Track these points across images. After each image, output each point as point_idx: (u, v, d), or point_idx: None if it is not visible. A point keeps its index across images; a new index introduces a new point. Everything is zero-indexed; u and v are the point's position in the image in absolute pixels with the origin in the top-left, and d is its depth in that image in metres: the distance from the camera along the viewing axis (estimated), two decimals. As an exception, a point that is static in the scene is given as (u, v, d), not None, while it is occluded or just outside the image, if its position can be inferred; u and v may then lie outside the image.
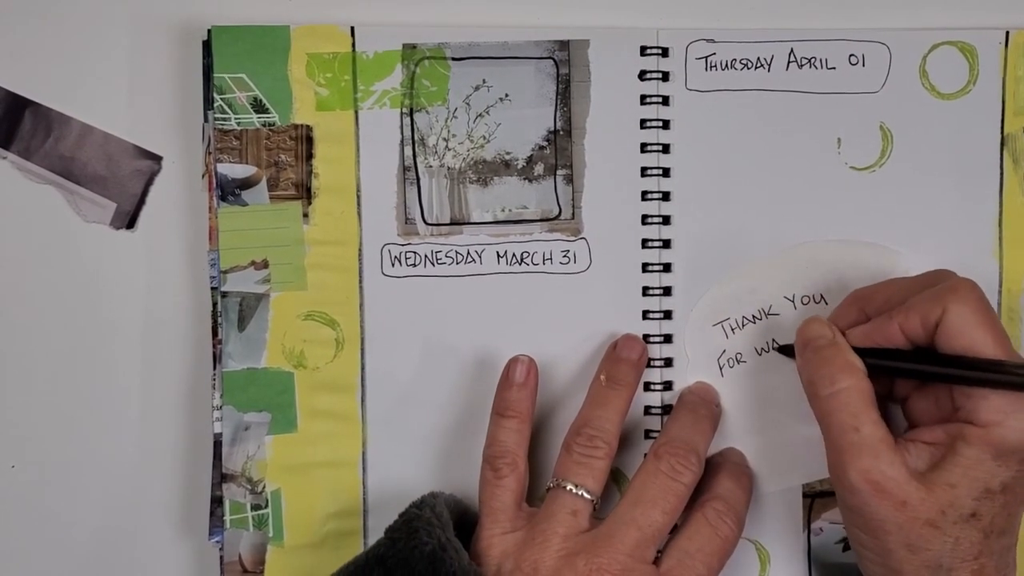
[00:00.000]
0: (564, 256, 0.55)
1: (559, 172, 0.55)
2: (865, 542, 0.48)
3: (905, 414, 0.52)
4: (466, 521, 0.52)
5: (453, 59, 0.55)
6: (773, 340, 0.55)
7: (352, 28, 0.54)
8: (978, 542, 0.47)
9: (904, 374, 0.50)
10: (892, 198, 0.56)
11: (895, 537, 0.47)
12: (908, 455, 0.48)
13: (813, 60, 0.55)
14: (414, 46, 0.55)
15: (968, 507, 0.47)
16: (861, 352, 0.50)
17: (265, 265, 0.54)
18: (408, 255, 0.55)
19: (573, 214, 0.55)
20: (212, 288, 0.55)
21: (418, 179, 0.55)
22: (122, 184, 0.56)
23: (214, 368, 0.55)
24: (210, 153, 0.54)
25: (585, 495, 0.50)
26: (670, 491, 0.50)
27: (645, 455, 0.52)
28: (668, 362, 0.55)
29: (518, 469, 0.51)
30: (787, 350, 0.54)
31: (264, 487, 0.54)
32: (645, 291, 0.55)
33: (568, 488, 0.50)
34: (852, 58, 0.55)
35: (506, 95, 0.55)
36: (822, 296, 0.55)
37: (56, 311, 0.56)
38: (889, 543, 0.47)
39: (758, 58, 0.55)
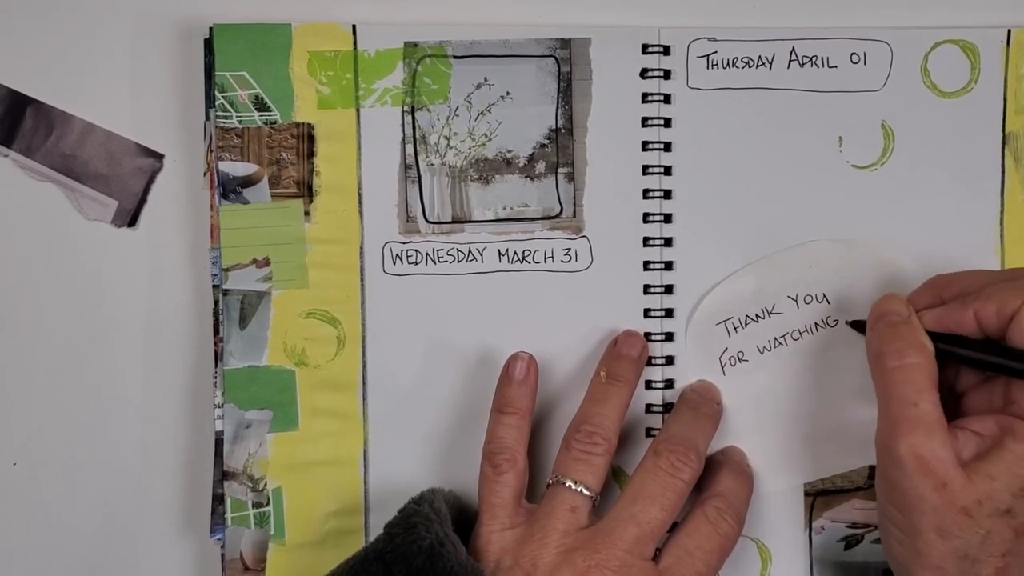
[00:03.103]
0: (565, 254, 0.55)
1: (560, 170, 0.55)
2: (896, 519, 0.48)
3: (961, 409, 0.52)
4: (466, 517, 0.52)
5: (454, 57, 0.55)
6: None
7: (354, 26, 0.54)
8: (1008, 539, 0.47)
9: (969, 361, 0.50)
10: (894, 196, 0.56)
11: (928, 518, 0.47)
12: (956, 441, 0.48)
13: (815, 59, 0.55)
14: (415, 44, 0.55)
15: (1005, 502, 0.46)
16: (932, 336, 0.50)
17: (266, 263, 0.54)
18: (409, 253, 0.55)
19: (574, 212, 0.55)
20: (213, 286, 0.55)
21: (419, 177, 0.55)
22: (124, 182, 0.56)
23: (215, 366, 0.55)
24: (212, 151, 0.54)
25: (584, 491, 0.50)
26: (669, 488, 0.50)
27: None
28: (669, 360, 0.55)
29: (517, 465, 0.52)
30: (859, 325, 0.53)
31: (265, 485, 0.54)
32: (646, 289, 0.55)
33: (567, 484, 0.51)
34: (854, 56, 0.55)
35: (507, 93, 0.55)
36: (824, 295, 0.55)
37: (58, 309, 0.56)
38: (921, 523, 0.47)
39: (759, 56, 0.55)
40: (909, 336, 0.49)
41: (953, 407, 0.52)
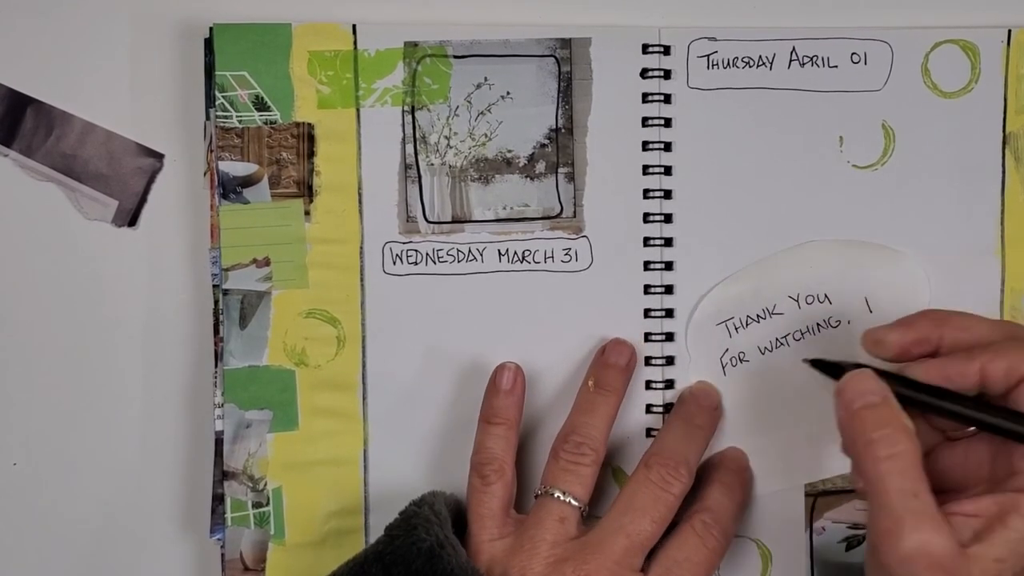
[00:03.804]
0: (566, 254, 0.55)
1: (561, 170, 0.55)
2: None
3: (942, 462, 0.50)
4: (465, 520, 0.52)
5: (455, 57, 0.55)
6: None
7: (354, 26, 0.54)
8: None
9: (967, 421, 0.47)
10: (894, 197, 0.55)
11: None
12: (951, 527, 0.45)
13: (815, 58, 0.55)
14: (416, 44, 0.55)
15: None
16: (920, 390, 0.47)
17: (267, 263, 0.54)
18: (409, 253, 0.55)
19: (575, 212, 0.55)
20: (214, 286, 0.55)
21: (419, 177, 0.55)
22: (124, 182, 0.56)
23: (215, 366, 0.55)
24: (212, 151, 0.54)
25: (572, 502, 0.51)
26: (659, 501, 0.50)
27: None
28: (670, 360, 0.55)
29: (505, 476, 0.52)
30: (823, 367, 0.50)
31: (265, 485, 0.54)
32: (647, 289, 0.55)
33: (556, 495, 0.51)
34: (854, 56, 0.55)
35: (508, 93, 0.55)
36: (826, 296, 0.55)
37: (58, 309, 0.56)
38: None
39: (760, 56, 0.55)
40: (892, 419, 0.46)
41: None
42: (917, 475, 0.45)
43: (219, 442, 0.54)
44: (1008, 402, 0.46)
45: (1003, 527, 0.45)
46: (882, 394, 0.47)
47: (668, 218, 0.55)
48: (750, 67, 0.55)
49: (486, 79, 0.55)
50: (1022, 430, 0.46)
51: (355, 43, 0.54)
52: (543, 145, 0.55)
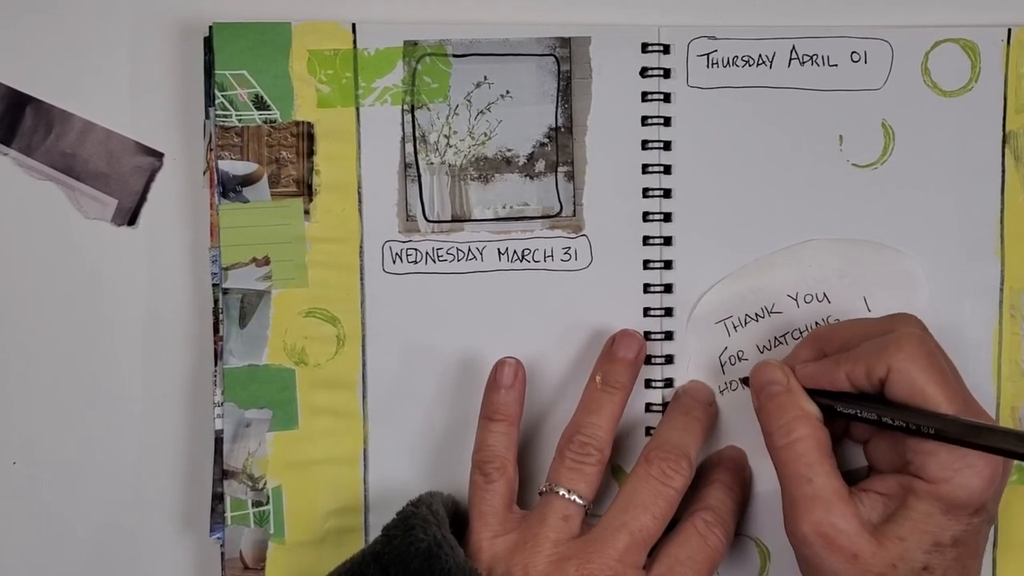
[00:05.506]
0: (565, 253, 0.55)
1: (560, 169, 0.55)
2: None
3: (866, 455, 0.52)
4: (463, 521, 0.52)
5: (454, 56, 0.55)
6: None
7: (353, 25, 0.54)
8: None
9: (854, 420, 0.50)
10: (894, 196, 0.55)
11: None
12: (862, 506, 0.48)
13: (815, 57, 0.55)
14: (415, 43, 0.55)
15: (919, 560, 0.47)
16: (817, 393, 0.50)
17: (266, 262, 0.54)
18: (409, 252, 0.55)
19: (574, 211, 0.55)
20: (213, 285, 0.55)
21: (419, 176, 0.55)
22: (123, 181, 0.56)
23: (215, 365, 0.55)
24: (211, 150, 0.54)
25: (577, 500, 0.50)
26: (661, 496, 0.50)
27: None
28: (669, 359, 0.55)
29: (507, 473, 0.52)
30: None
31: (265, 484, 0.54)
32: (646, 288, 0.55)
33: (560, 493, 0.51)
34: (854, 55, 0.55)
35: (507, 92, 0.55)
36: (825, 295, 0.55)
37: (57, 308, 0.56)
38: None
39: (760, 55, 0.55)
40: (791, 407, 0.49)
41: (856, 457, 0.52)
42: (812, 460, 0.48)
43: (219, 441, 0.54)
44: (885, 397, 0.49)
45: (904, 507, 0.47)
46: (784, 383, 0.50)
47: (667, 217, 0.55)
48: (750, 66, 0.55)
49: (486, 78, 0.55)
50: (897, 424, 0.47)
51: (355, 42, 0.54)
52: (543, 144, 0.55)
